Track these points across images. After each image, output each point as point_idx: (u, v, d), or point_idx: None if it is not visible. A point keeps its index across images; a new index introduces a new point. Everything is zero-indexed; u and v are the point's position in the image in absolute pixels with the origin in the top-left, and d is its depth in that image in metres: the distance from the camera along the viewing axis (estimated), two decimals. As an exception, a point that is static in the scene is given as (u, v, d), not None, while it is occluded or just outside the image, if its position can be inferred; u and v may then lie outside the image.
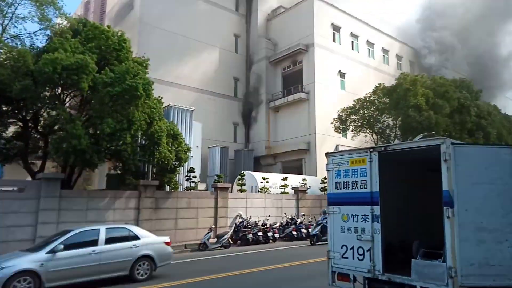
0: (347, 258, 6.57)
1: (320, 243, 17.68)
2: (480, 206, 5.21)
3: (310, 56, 33.40)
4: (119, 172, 17.62)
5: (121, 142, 14.75)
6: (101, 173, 23.74)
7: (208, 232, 17.24)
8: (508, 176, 5.27)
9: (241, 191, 22.47)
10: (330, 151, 7.34)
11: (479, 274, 5.11)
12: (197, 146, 24.30)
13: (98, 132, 14.28)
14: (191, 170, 20.07)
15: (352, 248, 6.50)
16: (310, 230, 19.58)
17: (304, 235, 20.15)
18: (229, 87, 36.25)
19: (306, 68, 33.85)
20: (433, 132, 24.82)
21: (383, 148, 6.32)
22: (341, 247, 6.69)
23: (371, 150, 6.42)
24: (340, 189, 6.87)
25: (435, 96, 25.08)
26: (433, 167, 5.71)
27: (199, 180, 21.55)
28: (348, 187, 6.73)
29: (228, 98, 35.80)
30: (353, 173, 6.66)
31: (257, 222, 19.83)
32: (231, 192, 21.46)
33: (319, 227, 18.56)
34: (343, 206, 6.78)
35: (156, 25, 30.32)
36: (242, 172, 25.88)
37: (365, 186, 6.40)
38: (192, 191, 19.81)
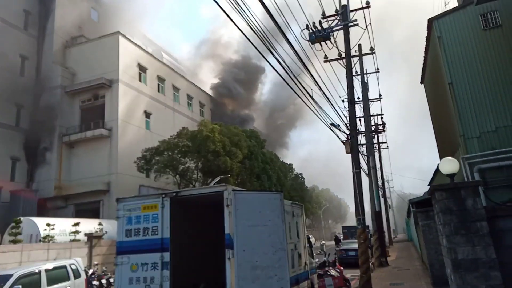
0: (134, 312, 6.15)
1: None
2: (255, 246, 5.86)
3: (114, 92, 31.94)
4: None
5: None
6: None
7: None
8: (277, 218, 6.18)
9: (15, 242, 18.36)
10: (121, 197, 6.91)
11: (253, 309, 5.63)
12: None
13: None
14: None
15: (140, 300, 6.15)
16: (103, 281, 17.54)
17: (96, 288, 17.83)
18: (9, 114, 30.36)
19: (109, 104, 32.07)
20: (229, 175, 27.58)
21: (174, 194, 6.41)
22: (129, 301, 6.23)
23: (164, 195, 6.41)
24: (131, 236, 6.50)
25: (230, 144, 28.05)
26: (223, 210, 6.12)
27: None
28: (139, 234, 6.43)
29: (7, 127, 29.81)
30: (145, 219, 6.44)
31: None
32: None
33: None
34: (132, 255, 6.40)
35: None
36: (18, 218, 21.30)
37: (156, 233, 6.27)
38: None
